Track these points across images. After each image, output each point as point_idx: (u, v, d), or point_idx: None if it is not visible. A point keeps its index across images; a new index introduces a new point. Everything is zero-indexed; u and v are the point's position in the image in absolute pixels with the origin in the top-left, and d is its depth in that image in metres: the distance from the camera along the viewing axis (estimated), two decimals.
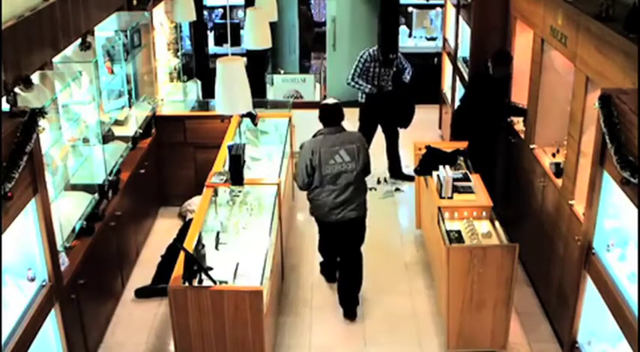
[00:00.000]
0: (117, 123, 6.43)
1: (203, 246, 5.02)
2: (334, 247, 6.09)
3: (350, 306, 5.89)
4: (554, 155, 5.83)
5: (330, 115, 5.67)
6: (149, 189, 7.05)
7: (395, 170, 8.36)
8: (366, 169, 5.76)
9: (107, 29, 6.22)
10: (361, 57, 7.95)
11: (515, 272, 5.13)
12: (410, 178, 8.29)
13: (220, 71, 4.25)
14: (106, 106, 6.27)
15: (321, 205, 5.68)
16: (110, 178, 5.76)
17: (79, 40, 5.50)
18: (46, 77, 4.80)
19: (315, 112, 8.44)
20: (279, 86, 8.88)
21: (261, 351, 4.68)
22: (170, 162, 7.42)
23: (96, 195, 5.50)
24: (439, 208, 5.64)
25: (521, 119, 6.50)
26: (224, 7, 10.42)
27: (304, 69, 11.38)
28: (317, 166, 5.55)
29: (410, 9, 10.76)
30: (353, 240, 5.89)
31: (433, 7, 10.61)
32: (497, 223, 5.53)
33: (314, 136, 5.74)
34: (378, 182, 8.21)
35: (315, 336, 5.64)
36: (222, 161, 6.18)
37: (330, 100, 5.89)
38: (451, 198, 5.77)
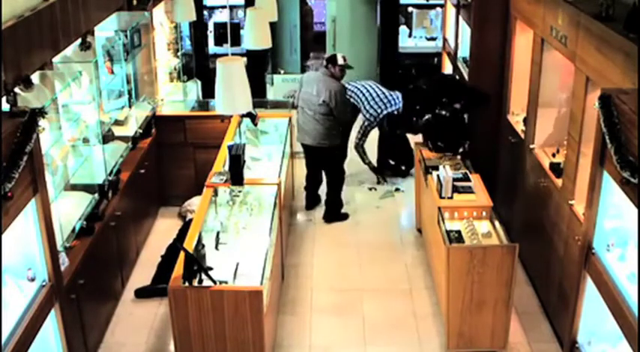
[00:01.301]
0: (117, 123, 6.42)
1: (203, 246, 5.03)
2: (309, 168, 7.50)
3: (325, 210, 7.43)
4: (554, 155, 5.82)
5: (327, 58, 7.12)
6: (149, 189, 7.05)
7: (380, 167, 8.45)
8: (329, 108, 6.89)
9: (107, 29, 6.21)
10: (369, 126, 7.83)
11: (515, 272, 5.13)
12: (395, 169, 8.41)
13: (220, 71, 4.25)
14: (106, 106, 6.27)
15: (297, 123, 7.20)
16: (110, 178, 5.76)
17: (79, 40, 5.50)
18: (46, 77, 4.80)
19: None
20: (279, 86, 8.88)
21: (261, 351, 4.68)
22: (170, 162, 7.42)
23: (96, 195, 5.50)
24: (439, 208, 5.64)
25: None
26: (224, 7, 10.41)
27: (304, 70, 11.39)
28: (298, 90, 7.15)
29: (410, 9, 10.76)
30: (320, 163, 7.33)
31: (433, 7, 10.60)
32: (497, 223, 5.53)
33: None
34: (378, 182, 8.21)
35: (315, 336, 5.64)
36: (222, 161, 6.18)
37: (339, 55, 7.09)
38: (451, 198, 5.77)
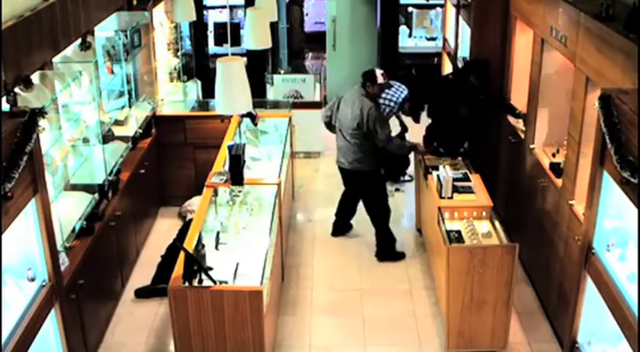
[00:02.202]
0: (117, 123, 6.43)
1: (203, 246, 5.02)
2: (344, 195, 6.96)
3: (376, 248, 6.78)
4: (554, 155, 5.82)
5: (365, 76, 6.40)
6: (149, 189, 7.05)
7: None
8: (363, 132, 6.28)
9: (107, 29, 6.21)
10: (392, 110, 7.43)
11: (515, 272, 5.13)
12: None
13: (220, 71, 4.26)
14: (106, 106, 6.27)
15: (336, 146, 6.65)
16: (110, 178, 5.76)
17: (79, 40, 5.50)
18: (46, 77, 4.80)
19: (315, 112, 8.48)
20: (279, 86, 8.89)
21: (261, 351, 4.68)
22: (170, 162, 7.42)
23: (96, 195, 5.50)
24: (439, 208, 5.64)
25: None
26: (224, 7, 10.42)
27: (302, 70, 11.35)
28: (334, 110, 6.57)
29: (410, 9, 10.76)
30: (354, 189, 6.75)
31: (433, 7, 10.60)
32: (497, 223, 5.53)
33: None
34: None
35: (315, 336, 5.64)
36: (222, 161, 6.18)
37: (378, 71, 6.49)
38: (451, 198, 5.77)
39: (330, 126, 6.74)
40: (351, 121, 6.30)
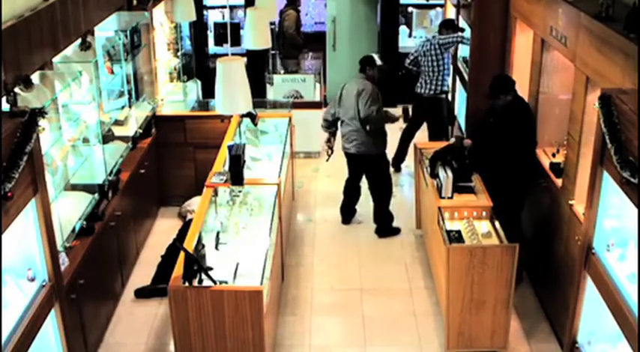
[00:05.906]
0: (117, 123, 6.43)
1: (203, 246, 5.03)
2: (350, 180, 7.18)
3: (376, 225, 7.15)
4: (554, 155, 5.82)
5: (363, 61, 6.78)
6: (149, 189, 7.05)
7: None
8: (363, 113, 6.56)
9: (107, 29, 6.21)
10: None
11: (515, 272, 5.13)
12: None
13: (220, 71, 4.26)
14: (106, 106, 6.27)
15: (341, 135, 6.92)
16: (110, 178, 5.76)
17: (79, 40, 5.50)
18: (46, 77, 4.80)
19: (315, 112, 8.49)
20: (279, 86, 8.89)
21: (261, 351, 4.68)
22: (170, 162, 7.42)
23: (96, 195, 5.50)
24: (439, 208, 5.64)
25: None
26: (224, 7, 10.41)
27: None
28: (339, 98, 6.81)
29: (410, 9, 10.76)
30: (364, 173, 7.03)
31: (433, 7, 10.60)
32: (497, 223, 5.53)
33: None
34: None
35: (315, 336, 5.64)
36: (222, 161, 6.18)
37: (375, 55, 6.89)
38: (451, 198, 5.77)
39: (334, 123, 6.97)
40: (354, 101, 6.60)
